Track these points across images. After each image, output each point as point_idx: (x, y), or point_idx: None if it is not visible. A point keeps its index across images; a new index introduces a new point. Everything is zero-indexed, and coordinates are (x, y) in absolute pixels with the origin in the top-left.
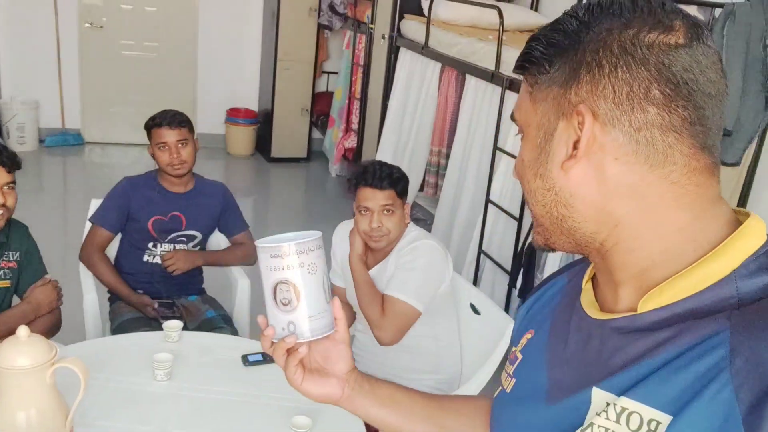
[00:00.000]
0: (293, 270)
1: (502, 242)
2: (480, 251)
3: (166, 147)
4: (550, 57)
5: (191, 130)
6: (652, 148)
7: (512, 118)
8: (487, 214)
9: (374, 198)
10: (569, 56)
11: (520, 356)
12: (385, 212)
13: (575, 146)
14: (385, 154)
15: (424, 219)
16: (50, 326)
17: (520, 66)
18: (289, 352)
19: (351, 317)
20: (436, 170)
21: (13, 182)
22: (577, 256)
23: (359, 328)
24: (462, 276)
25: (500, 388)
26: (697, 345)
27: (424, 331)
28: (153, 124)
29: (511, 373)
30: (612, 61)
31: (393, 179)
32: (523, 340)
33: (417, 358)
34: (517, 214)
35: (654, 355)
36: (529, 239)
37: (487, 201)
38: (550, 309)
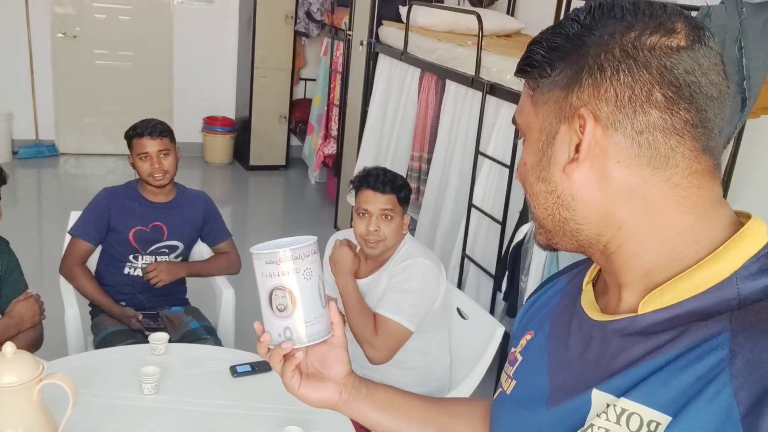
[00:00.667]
0: (288, 276)
1: (485, 246)
2: (464, 255)
3: (148, 157)
4: (552, 60)
5: (173, 139)
6: (654, 151)
7: (514, 121)
8: (470, 218)
9: (375, 201)
10: (571, 60)
11: (520, 358)
12: (384, 217)
13: (577, 149)
14: (365, 160)
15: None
16: (33, 341)
17: (521, 70)
18: (286, 357)
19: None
20: (418, 175)
21: None
22: (578, 257)
23: (349, 337)
24: (446, 280)
25: (500, 389)
26: (697, 346)
27: (415, 346)
28: (134, 134)
29: (511, 374)
30: (614, 64)
31: (395, 185)
32: (523, 341)
33: (407, 372)
34: (500, 217)
35: (654, 356)
36: (515, 240)
37: (470, 205)
38: (550, 310)
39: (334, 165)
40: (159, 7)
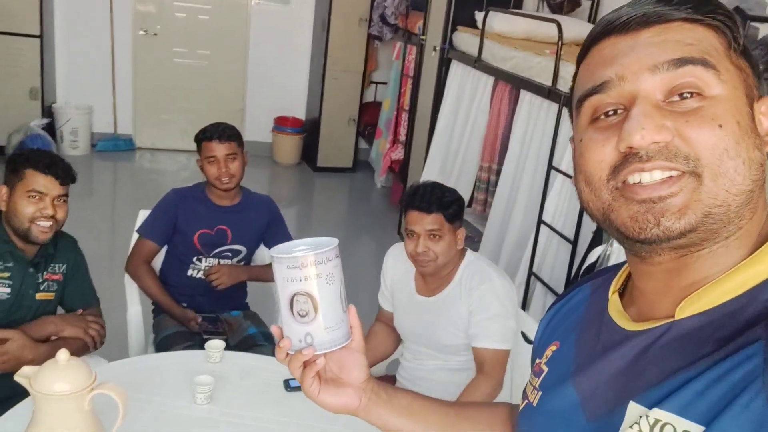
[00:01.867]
0: (311, 281)
1: (554, 265)
2: (530, 273)
3: (215, 160)
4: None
5: (240, 144)
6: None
7: (705, 63)
8: (539, 234)
9: (421, 222)
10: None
11: (545, 369)
12: (431, 237)
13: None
14: (432, 167)
15: (471, 236)
16: (76, 348)
17: (717, 17)
18: (306, 363)
19: (395, 343)
20: (486, 187)
21: (66, 195)
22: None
23: (406, 356)
24: None
25: (525, 401)
26: (732, 355)
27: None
28: (203, 137)
29: (536, 386)
30: None
31: (442, 203)
32: (548, 352)
33: (459, 390)
34: (571, 236)
35: (690, 368)
36: (587, 262)
37: (540, 221)
38: (575, 320)
39: (400, 170)
40: (237, 7)
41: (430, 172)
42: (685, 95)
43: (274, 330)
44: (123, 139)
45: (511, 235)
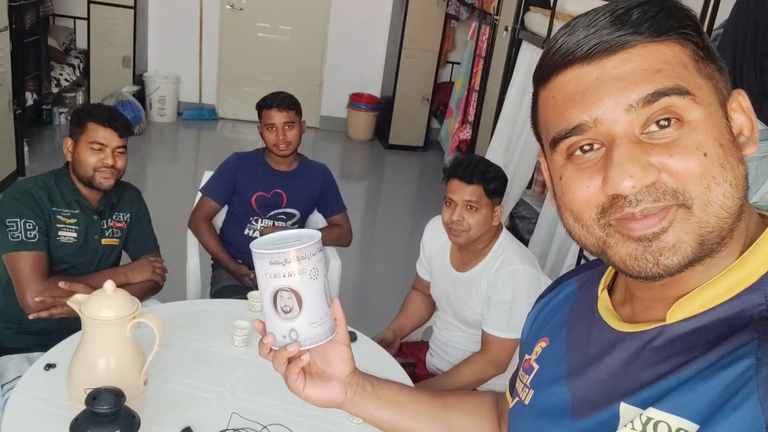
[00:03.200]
0: (294, 277)
1: None
2: (581, 255)
3: (274, 128)
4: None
5: (299, 113)
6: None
7: (680, 92)
8: None
9: (460, 191)
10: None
11: (536, 366)
12: (468, 207)
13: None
14: (497, 147)
15: (529, 217)
16: (148, 289)
17: (680, 32)
18: (291, 359)
19: (430, 311)
20: None
21: (125, 147)
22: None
23: (437, 324)
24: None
25: (516, 399)
26: (725, 356)
27: None
28: (263, 105)
29: (527, 383)
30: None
31: (485, 177)
32: (537, 349)
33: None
34: None
35: (683, 369)
36: None
37: None
38: (563, 316)
39: (467, 150)
40: None
41: (494, 152)
42: (662, 123)
43: (255, 325)
44: (207, 109)
45: None
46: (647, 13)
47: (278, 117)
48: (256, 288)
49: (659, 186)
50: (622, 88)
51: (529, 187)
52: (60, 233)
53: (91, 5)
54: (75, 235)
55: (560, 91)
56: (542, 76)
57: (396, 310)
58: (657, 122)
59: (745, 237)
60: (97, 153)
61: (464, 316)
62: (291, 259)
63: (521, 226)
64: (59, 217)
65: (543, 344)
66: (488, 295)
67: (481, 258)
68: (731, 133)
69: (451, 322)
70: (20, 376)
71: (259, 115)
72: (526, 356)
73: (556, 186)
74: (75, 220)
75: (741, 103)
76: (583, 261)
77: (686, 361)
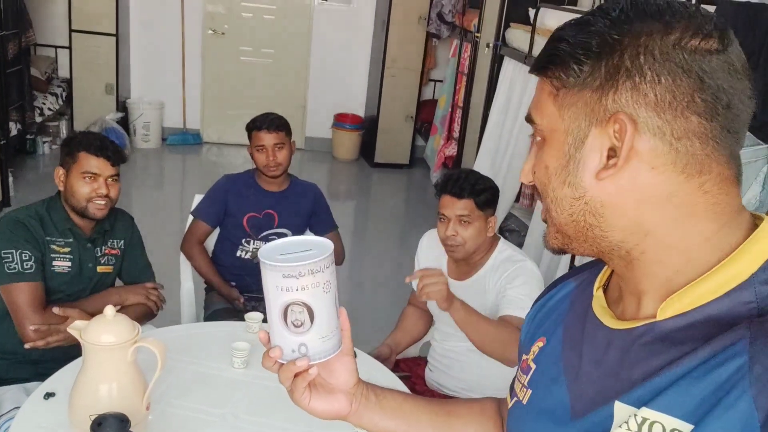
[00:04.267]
0: (308, 291)
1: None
2: (572, 265)
3: (264, 149)
4: (579, 59)
5: (288, 133)
6: (691, 157)
7: (529, 119)
8: None
9: (452, 206)
10: (603, 59)
11: (533, 366)
12: (460, 222)
13: (609, 155)
14: (483, 163)
15: (518, 230)
16: (141, 314)
17: (543, 67)
18: (297, 373)
19: (427, 326)
20: None
21: (117, 175)
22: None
23: (436, 337)
24: None
25: (515, 399)
26: (717, 354)
27: None
28: (253, 127)
29: (525, 383)
30: (655, 67)
31: (475, 190)
32: (535, 348)
33: (491, 372)
34: None
35: (674, 366)
36: None
37: None
38: (560, 315)
39: (453, 166)
40: (300, 7)
41: (481, 167)
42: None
43: (260, 336)
44: (191, 133)
45: None
46: (543, 52)
47: (268, 138)
48: (248, 311)
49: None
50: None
51: (517, 200)
52: (54, 263)
53: (73, 34)
54: (69, 264)
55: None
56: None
57: (386, 327)
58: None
59: (736, 236)
60: (90, 183)
61: None
62: (305, 273)
63: (511, 240)
64: (53, 246)
65: (540, 344)
66: (502, 285)
67: (481, 266)
68: (565, 157)
69: (452, 333)
70: (18, 407)
71: (249, 137)
72: (524, 356)
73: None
74: (69, 249)
75: (617, 129)
76: None
77: (677, 358)
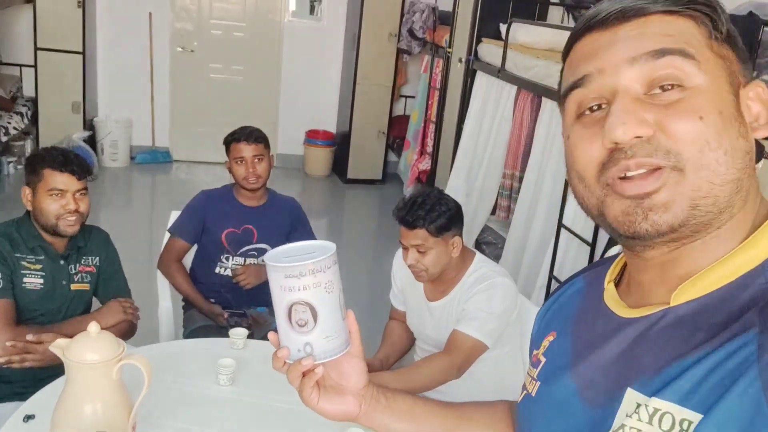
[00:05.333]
0: (310, 290)
1: (573, 267)
2: (551, 276)
3: (243, 161)
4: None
5: (267, 146)
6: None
7: (684, 54)
8: (559, 238)
9: (406, 237)
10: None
11: (543, 359)
12: (418, 251)
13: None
14: (458, 176)
15: (495, 242)
16: (125, 328)
17: (698, 9)
18: (305, 373)
19: (410, 342)
20: (509, 194)
21: (85, 189)
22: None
23: (418, 353)
24: (531, 301)
25: (524, 392)
26: (727, 342)
27: (486, 356)
28: (232, 139)
29: (534, 376)
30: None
31: (428, 218)
32: (545, 343)
33: (479, 387)
34: (589, 239)
35: (685, 355)
36: None
37: (560, 225)
38: (570, 311)
39: (427, 181)
40: (270, 24)
41: (456, 181)
42: (666, 87)
43: (270, 337)
44: (161, 151)
45: (532, 240)
46: None
47: (247, 150)
48: (231, 326)
49: (653, 142)
50: (630, 45)
51: (493, 213)
52: (25, 279)
53: (39, 52)
54: (42, 281)
55: (576, 54)
56: (566, 48)
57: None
58: (662, 87)
59: (752, 221)
60: (58, 200)
61: (442, 345)
62: (306, 273)
63: (488, 252)
64: (23, 263)
65: (551, 338)
66: (463, 307)
67: (455, 285)
68: (737, 109)
69: (431, 350)
70: None
71: (227, 150)
72: (534, 351)
73: (565, 147)
74: (41, 266)
75: (760, 94)
76: (555, 283)
77: (690, 347)
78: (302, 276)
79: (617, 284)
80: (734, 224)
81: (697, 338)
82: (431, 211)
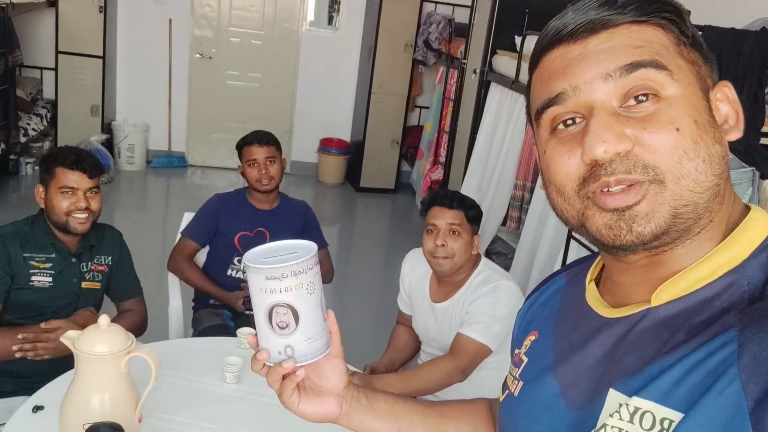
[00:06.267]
0: (292, 292)
1: None
2: None
3: (256, 164)
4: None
5: (279, 149)
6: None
7: (657, 65)
8: (569, 249)
9: (442, 216)
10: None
11: (525, 359)
12: (451, 232)
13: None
14: (470, 186)
15: (505, 253)
16: (135, 326)
17: (664, 16)
18: (285, 375)
19: (416, 347)
20: (520, 204)
21: (97, 187)
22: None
23: (422, 357)
24: None
25: (506, 391)
26: (707, 342)
27: (488, 360)
28: (244, 143)
29: (517, 376)
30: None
31: (464, 204)
32: (527, 342)
33: (480, 393)
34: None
35: (667, 354)
36: None
37: (569, 236)
38: (551, 310)
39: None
40: (288, 33)
41: (468, 191)
42: (640, 98)
43: (248, 339)
44: (176, 156)
45: (542, 250)
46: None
47: (260, 152)
48: (246, 311)
49: (631, 157)
50: (602, 59)
51: (504, 223)
52: (33, 278)
53: (60, 55)
54: (50, 279)
55: (546, 69)
56: (534, 59)
57: (370, 350)
58: (635, 98)
59: (727, 223)
60: (69, 197)
61: (446, 347)
62: (288, 274)
63: (498, 262)
64: (32, 262)
65: (532, 337)
66: (467, 309)
67: (460, 287)
68: (710, 114)
69: (435, 354)
70: (3, 424)
71: (240, 155)
72: (516, 351)
73: (541, 161)
74: (50, 264)
75: (727, 94)
76: None
77: (671, 347)
78: (284, 278)
79: (597, 283)
80: (713, 226)
81: (678, 338)
82: (465, 200)
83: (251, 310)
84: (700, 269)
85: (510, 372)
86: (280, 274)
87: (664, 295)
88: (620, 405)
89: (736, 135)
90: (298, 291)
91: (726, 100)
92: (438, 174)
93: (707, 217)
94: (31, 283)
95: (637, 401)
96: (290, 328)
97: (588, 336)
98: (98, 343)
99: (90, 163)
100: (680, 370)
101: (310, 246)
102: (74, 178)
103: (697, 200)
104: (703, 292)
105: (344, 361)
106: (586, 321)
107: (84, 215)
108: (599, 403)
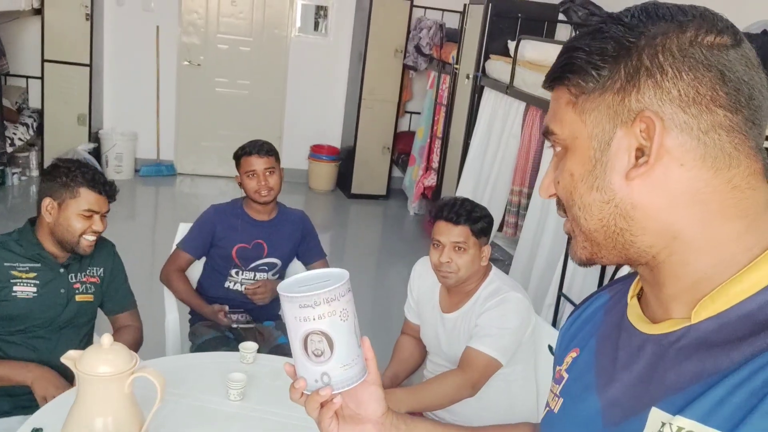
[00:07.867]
0: (325, 319)
1: (583, 285)
2: (560, 294)
3: (255, 174)
4: (597, 64)
5: (278, 159)
6: (720, 151)
7: (547, 132)
8: (568, 255)
9: (447, 232)
10: (622, 62)
11: (566, 375)
12: (456, 248)
13: (637, 155)
14: (465, 192)
15: (502, 259)
16: (135, 343)
17: (558, 77)
18: (323, 404)
19: (423, 354)
20: (517, 210)
21: (108, 210)
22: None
23: (428, 367)
24: (540, 317)
25: (547, 409)
26: (750, 360)
27: (497, 375)
28: (243, 153)
29: (557, 393)
30: (675, 64)
31: (471, 217)
32: (568, 359)
33: (488, 406)
34: None
35: (710, 372)
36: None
37: (569, 242)
38: (593, 326)
39: (433, 197)
40: (277, 39)
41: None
42: (555, 149)
43: (286, 368)
44: (165, 164)
45: (541, 256)
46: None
47: (259, 163)
48: (232, 324)
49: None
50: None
51: (500, 229)
52: (15, 288)
53: (46, 64)
54: (34, 289)
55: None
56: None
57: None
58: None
59: (761, 242)
60: (88, 219)
61: (455, 359)
62: (320, 302)
63: None
64: (14, 272)
65: (573, 354)
66: (476, 322)
67: (470, 297)
68: (600, 159)
69: (442, 364)
70: None
71: (238, 164)
72: (558, 367)
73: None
74: (35, 274)
75: (643, 128)
76: (564, 302)
77: (712, 364)
78: (317, 305)
79: (640, 299)
80: (750, 238)
81: (720, 355)
82: (473, 212)
83: (237, 322)
84: (739, 283)
85: (551, 389)
86: (312, 302)
87: (704, 311)
88: (662, 424)
89: (642, 173)
90: (331, 318)
91: (642, 134)
92: (431, 180)
93: (635, 248)
94: (13, 294)
95: (680, 420)
96: (325, 355)
97: (629, 353)
98: (101, 364)
99: (111, 186)
100: (724, 389)
101: (341, 274)
102: (97, 201)
103: (594, 237)
104: (743, 306)
105: (382, 388)
106: (627, 338)
107: (93, 237)
108: (638, 421)
